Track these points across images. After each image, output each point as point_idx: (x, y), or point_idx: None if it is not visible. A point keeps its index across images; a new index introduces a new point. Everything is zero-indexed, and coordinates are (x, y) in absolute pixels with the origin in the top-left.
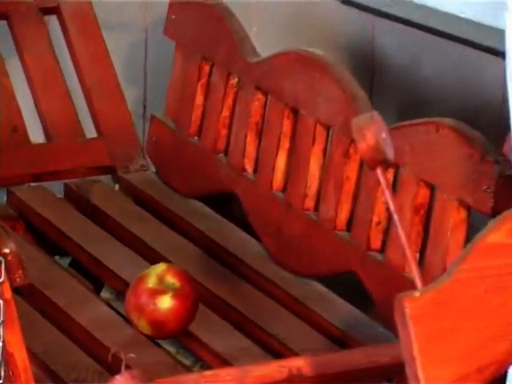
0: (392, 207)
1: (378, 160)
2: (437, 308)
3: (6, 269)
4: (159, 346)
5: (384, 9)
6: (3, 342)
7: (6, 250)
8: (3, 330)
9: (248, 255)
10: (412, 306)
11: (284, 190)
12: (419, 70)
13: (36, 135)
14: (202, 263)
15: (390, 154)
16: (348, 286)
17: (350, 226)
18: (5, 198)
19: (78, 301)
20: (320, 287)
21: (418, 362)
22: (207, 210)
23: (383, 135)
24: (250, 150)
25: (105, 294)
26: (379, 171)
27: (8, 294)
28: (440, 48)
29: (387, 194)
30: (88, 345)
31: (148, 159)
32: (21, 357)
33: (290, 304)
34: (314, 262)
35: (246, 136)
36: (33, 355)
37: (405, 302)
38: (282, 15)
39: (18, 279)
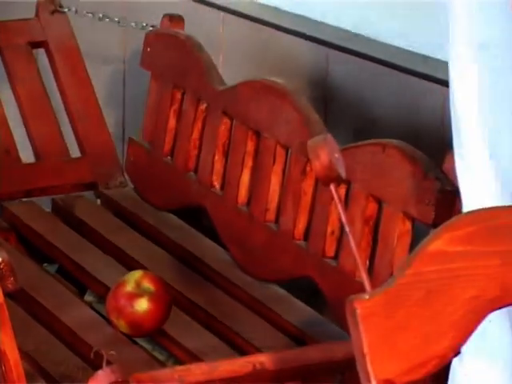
0: (344, 219)
1: (331, 177)
2: (384, 309)
3: (4, 290)
4: (137, 343)
5: (336, 42)
6: None
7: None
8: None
9: (216, 262)
10: (362, 307)
11: (248, 203)
12: (368, 96)
13: (26, 156)
14: (174, 269)
15: (342, 171)
16: (306, 290)
17: (307, 235)
18: None
19: (64, 304)
20: (280, 290)
21: (367, 358)
22: (179, 221)
23: (336, 155)
24: (218, 168)
25: (88, 297)
26: (332, 187)
27: (0, 298)
28: (386, 76)
29: (339, 207)
30: (73, 343)
31: (126, 177)
32: (12, 354)
33: (253, 306)
34: (274, 268)
35: (213, 156)
36: (24, 353)
37: (355, 304)
38: (247, 47)
39: (9, 285)
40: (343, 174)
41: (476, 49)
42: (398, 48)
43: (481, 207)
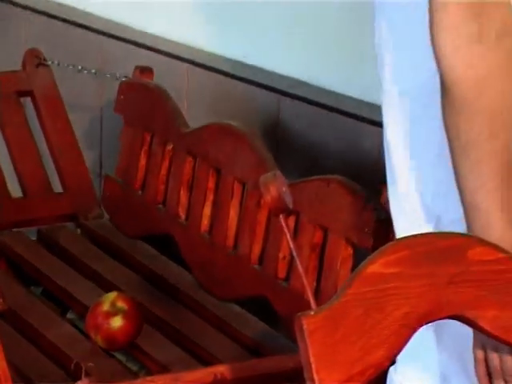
0: (291, 246)
1: (280, 209)
2: (328, 324)
3: None
4: (113, 356)
5: (286, 89)
6: None
7: None
8: None
9: (182, 284)
10: (308, 323)
11: (210, 232)
12: (315, 137)
13: (15, 191)
14: (145, 291)
15: (290, 203)
16: (261, 308)
17: (261, 260)
18: None
19: (48, 321)
20: (238, 308)
21: (313, 367)
22: (150, 248)
23: (284, 189)
24: (183, 201)
25: (70, 315)
26: (281, 218)
27: None
28: (331, 120)
29: (287, 235)
30: (56, 356)
31: (103, 209)
32: (1, 366)
33: (215, 322)
34: (233, 289)
35: (179, 190)
36: (12, 365)
37: (303, 320)
38: (208, 94)
39: None
40: (291, 206)
41: (403, 96)
42: (342, 95)
43: (410, 235)
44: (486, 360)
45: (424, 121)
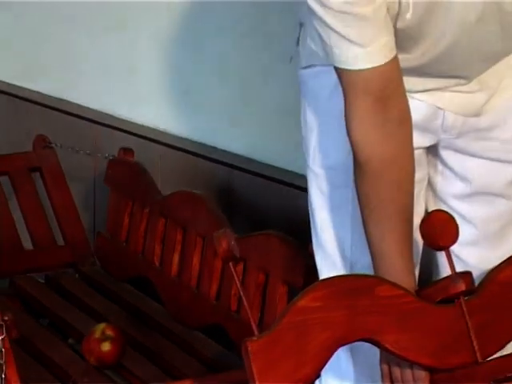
0: (239, 286)
1: (229, 258)
2: (267, 346)
3: (5, 329)
4: (104, 373)
5: (237, 164)
6: (5, 374)
7: (6, 318)
8: (5, 367)
9: (157, 315)
10: (252, 346)
11: (178, 275)
12: (259, 201)
13: (27, 244)
14: (128, 321)
15: (237, 253)
16: (218, 334)
17: (218, 296)
18: (7, 285)
19: (53, 346)
20: (201, 334)
21: (256, 380)
22: (132, 288)
23: (232, 242)
24: (157, 251)
25: (70, 341)
26: (231, 264)
27: (7, 344)
28: (272, 187)
29: (236, 278)
30: (58, 374)
31: (96, 258)
32: (15, 381)
33: (183, 345)
34: (197, 319)
35: (154, 243)
36: (23, 381)
37: (247, 344)
38: (176, 168)
39: (13, 335)
40: (238, 255)
41: (325, 170)
42: (281, 168)
43: (330, 276)
44: (390, 372)
45: (342, 189)
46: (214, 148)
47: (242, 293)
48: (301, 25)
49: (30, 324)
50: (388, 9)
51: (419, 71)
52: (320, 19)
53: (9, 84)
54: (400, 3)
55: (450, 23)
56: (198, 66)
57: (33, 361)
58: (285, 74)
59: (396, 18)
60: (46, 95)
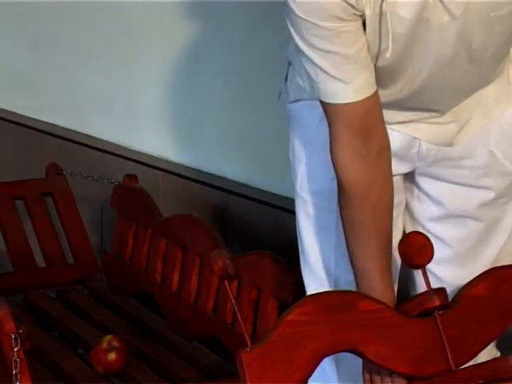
0: (233, 302)
1: (225, 276)
2: (259, 357)
3: (20, 341)
4: (110, 381)
5: (232, 189)
6: (19, 383)
7: (20, 330)
8: (19, 376)
9: (159, 328)
10: (245, 356)
11: (178, 290)
12: (253, 223)
13: (40, 262)
14: (132, 333)
15: (232, 271)
16: (215, 344)
17: (215, 310)
18: (21, 300)
19: (63, 356)
20: (199, 345)
21: None
22: (136, 303)
23: (227, 261)
24: (159, 269)
25: (80, 351)
26: (226, 282)
27: (21, 355)
28: (265, 211)
29: (230, 295)
30: (69, 382)
31: (103, 275)
32: None
33: (182, 355)
34: (195, 331)
35: (156, 261)
36: None
37: (241, 354)
38: (176, 193)
39: (27, 346)
40: (233, 273)
41: (311, 195)
42: (272, 193)
43: (316, 292)
44: (372, 380)
45: (327, 212)
46: (212, 174)
47: (236, 307)
48: (289, 63)
49: (42, 336)
50: (369, 49)
51: (397, 105)
52: (308, 58)
53: (26, 117)
54: (380, 44)
55: (426, 62)
56: (196, 100)
57: (45, 370)
58: (276, 109)
59: (376, 57)
60: (58, 126)
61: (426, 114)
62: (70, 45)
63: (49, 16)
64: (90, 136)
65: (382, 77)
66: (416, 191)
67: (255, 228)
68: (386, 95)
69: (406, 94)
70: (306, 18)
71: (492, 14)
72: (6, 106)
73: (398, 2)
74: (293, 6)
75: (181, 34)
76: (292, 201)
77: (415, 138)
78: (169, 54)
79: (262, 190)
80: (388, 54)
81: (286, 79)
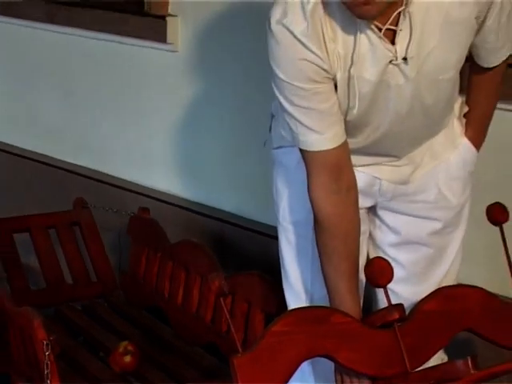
0: (227, 316)
1: (220, 294)
2: (249, 361)
3: (50, 346)
4: (126, 379)
5: (227, 219)
6: (50, 381)
7: (51, 338)
8: (50, 376)
9: (166, 335)
10: (237, 361)
11: (182, 304)
12: (242, 248)
13: (68, 280)
14: (144, 340)
15: (226, 290)
16: (213, 349)
17: (213, 321)
18: (52, 312)
19: (87, 359)
20: (200, 349)
21: None
22: (148, 314)
23: (223, 282)
24: (167, 286)
25: (101, 354)
26: (221, 299)
27: (52, 358)
28: (255, 238)
29: (225, 309)
30: (92, 381)
31: (121, 291)
32: None
33: (186, 358)
34: (196, 337)
35: (164, 280)
36: None
37: (234, 359)
38: (181, 222)
39: (56, 351)
40: (227, 291)
41: (292, 224)
42: (260, 222)
43: (296, 307)
44: (342, 381)
45: (304, 239)
46: (211, 207)
47: (229, 320)
48: (272, 116)
49: (69, 342)
50: (340, 105)
51: (362, 151)
52: (289, 114)
53: (57, 159)
54: (349, 102)
55: (386, 116)
56: (198, 146)
57: (71, 370)
58: (263, 153)
59: (346, 112)
60: (84, 167)
61: (386, 159)
62: (96, 99)
63: (79, 74)
64: (110, 175)
65: (350, 128)
66: (378, 222)
67: (246, 252)
68: (353, 143)
69: (369, 142)
70: (288, 81)
71: (440, 77)
72: (41, 151)
73: (363, 67)
74: (277, 71)
75: (186, 93)
76: (276, 229)
77: (377, 177)
78: (176, 108)
79: (253, 220)
80: (355, 111)
81: (270, 129)
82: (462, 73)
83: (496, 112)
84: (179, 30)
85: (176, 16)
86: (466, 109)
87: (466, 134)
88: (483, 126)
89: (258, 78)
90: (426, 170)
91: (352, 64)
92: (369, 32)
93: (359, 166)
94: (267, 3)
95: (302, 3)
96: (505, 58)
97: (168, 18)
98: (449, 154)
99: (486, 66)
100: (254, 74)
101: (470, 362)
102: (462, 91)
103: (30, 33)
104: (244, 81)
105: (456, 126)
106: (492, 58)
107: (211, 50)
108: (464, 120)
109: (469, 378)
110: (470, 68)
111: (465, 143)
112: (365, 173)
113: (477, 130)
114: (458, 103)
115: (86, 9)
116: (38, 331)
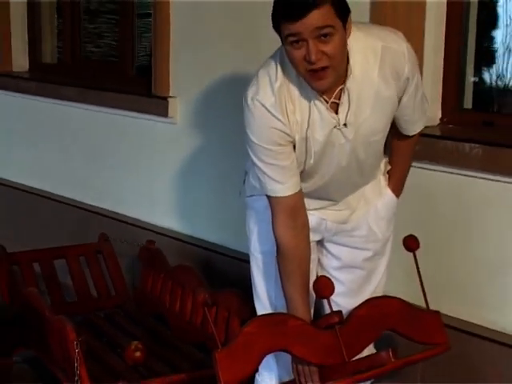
0: (211, 323)
1: (205, 304)
2: (227, 355)
3: (79, 345)
4: (137, 370)
5: (214, 249)
6: (79, 372)
7: (80, 338)
8: (79, 368)
9: (166, 336)
10: (218, 355)
11: (180, 312)
12: (228, 272)
13: (94, 294)
14: (151, 340)
15: (210, 301)
16: (203, 347)
17: (202, 325)
18: (80, 319)
19: (107, 354)
20: (193, 348)
21: (220, 376)
22: (154, 320)
23: (207, 295)
24: (168, 299)
25: (118, 351)
26: (206, 309)
27: (80, 354)
28: (238, 265)
29: (209, 317)
30: (110, 371)
31: (134, 303)
32: (83, 377)
33: (182, 353)
34: (190, 338)
35: (166, 295)
36: (90, 377)
37: (215, 353)
38: (177, 252)
39: (84, 348)
40: (210, 303)
41: (261, 253)
42: (242, 252)
43: (262, 314)
44: (297, 369)
45: (270, 265)
46: (199, 239)
47: (212, 324)
48: (246, 172)
49: (94, 342)
50: (297, 159)
51: (311, 195)
52: (259, 168)
53: (84, 203)
54: (306, 158)
55: (331, 168)
56: (189, 193)
57: (96, 363)
58: (239, 199)
59: (304, 163)
60: (105, 209)
61: (329, 203)
62: (115, 158)
63: (103, 140)
64: (125, 215)
65: (304, 176)
66: (324, 251)
67: (227, 274)
68: (305, 187)
69: (317, 186)
70: (259, 144)
71: (371, 139)
72: (69, 195)
73: (315, 130)
74: (251, 136)
75: (182, 154)
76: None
77: (323, 219)
78: (174, 165)
79: (232, 249)
80: (311, 162)
81: (244, 182)
82: (386, 141)
83: (411, 169)
84: (178, 107)
85: (175, 97)
86: (388, 167)
87: (389, 185)
88: (402, 180)
89: (236, 142)
90: (361, 212)
91: (308, 127)
92: (318, 103)
93: (310, 209)
94: (245, 84)
95: (271, 82)
96: (420, 130)
97: (169, 99)
98: (377, 201)
99: (405, 133)
100: (233, 139)
101: (391, 353)
102: (386, 153)
103: (64, 110)
104: (226, 143)
105: (382, 180)
106: (410, 128)
107: (202, 122)
108: (387, 175)
109: (390, 365)
110: (393, 136)
111: (388, 193)
112: (314, 215)
113: (397, 183)
114: (383, 163)
115: (110, 92)
116: (70, 334)
